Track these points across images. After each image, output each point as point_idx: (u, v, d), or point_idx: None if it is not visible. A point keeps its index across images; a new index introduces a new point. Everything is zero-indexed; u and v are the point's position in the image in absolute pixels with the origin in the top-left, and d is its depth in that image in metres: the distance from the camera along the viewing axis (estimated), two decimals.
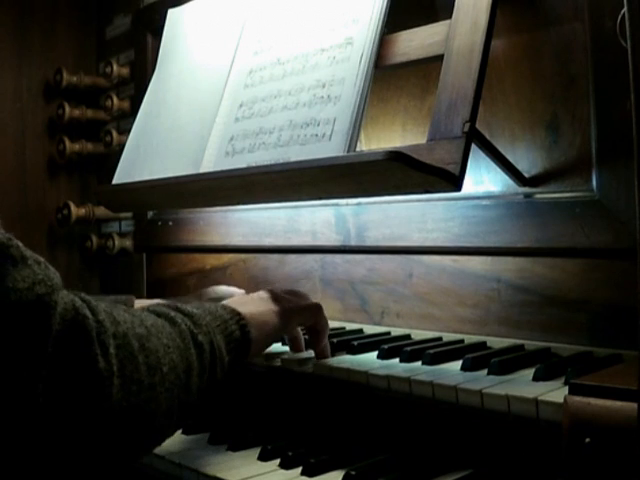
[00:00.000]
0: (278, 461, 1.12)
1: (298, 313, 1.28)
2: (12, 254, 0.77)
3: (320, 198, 1.36)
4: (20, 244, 0.81)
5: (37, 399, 0.77)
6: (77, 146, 2.31)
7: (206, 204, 1.83)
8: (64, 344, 0.80)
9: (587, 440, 0.82)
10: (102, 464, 0.88)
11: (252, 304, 1.21)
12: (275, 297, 1.26)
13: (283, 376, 1.33)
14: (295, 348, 1.38)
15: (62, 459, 0.83)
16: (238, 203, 1.67)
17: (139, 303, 1.49)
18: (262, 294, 1.27)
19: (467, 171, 1.11)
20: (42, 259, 0.84)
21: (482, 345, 1.32)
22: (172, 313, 1.03)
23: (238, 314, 1.15)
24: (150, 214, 2.21)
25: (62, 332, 0.80)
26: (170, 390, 0.94)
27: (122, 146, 1.83)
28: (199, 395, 1.01)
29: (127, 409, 0.86)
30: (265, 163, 1.37)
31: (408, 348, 1.25)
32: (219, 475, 1.08)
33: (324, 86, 1.35)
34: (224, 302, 1.20)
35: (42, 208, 2.35)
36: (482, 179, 1.39)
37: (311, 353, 1.32)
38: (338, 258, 1.64)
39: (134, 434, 0.90)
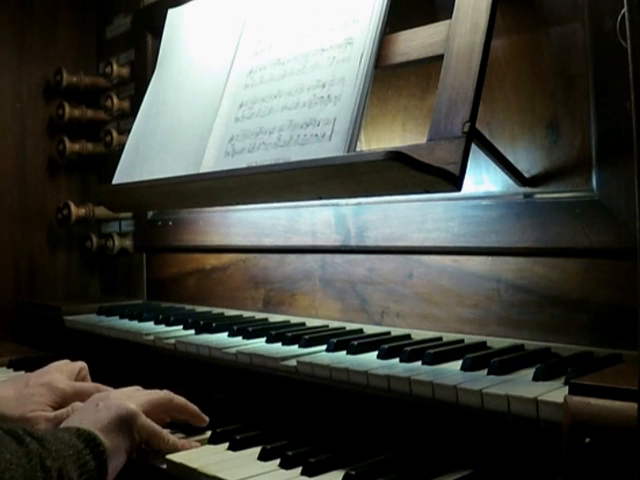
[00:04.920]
0: (278, 461, 1.11)
1: (148, 409, 1.22)
2: None
3: (320, 198, 1.36)
4: None
5: None
6: (77, 146, 2.31)
7: (206, 204, 1.83)
8: None
9: (587, 440, 0.82)
10: None
11: (104, 417, 1.15)
12: (122, 402, 1.20)
13: (285, 379, 1.33)
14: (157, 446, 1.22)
15: None
16: (238, 203, 1.67)
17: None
18: (109, 400, 1.20)
19: (467, 171, 1.12)
20: None
21: (482, 345, 1.32)
22: (20, 432, 0.99)
23: (93, 440, 1.09)
24: (150, 214, 2.21)
25: None
26: None
27: (122, 146, 1.84)
28: None
29: None
30: (265, 163, 1.37)
31: (408, 348, 1.25)
32: (219, 475, 1.07)
33: (324, 86, 1.35)
34: (75, 420, 1.15)
35: (42, 208, 2.36)
36: (482, 179, 1.39)
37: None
38: (338, 258, 1.64)
39: None
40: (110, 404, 1.19)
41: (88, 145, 2.33)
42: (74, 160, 2.37)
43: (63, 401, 1.34)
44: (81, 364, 1.47)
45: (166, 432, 1.23)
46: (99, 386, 1.39)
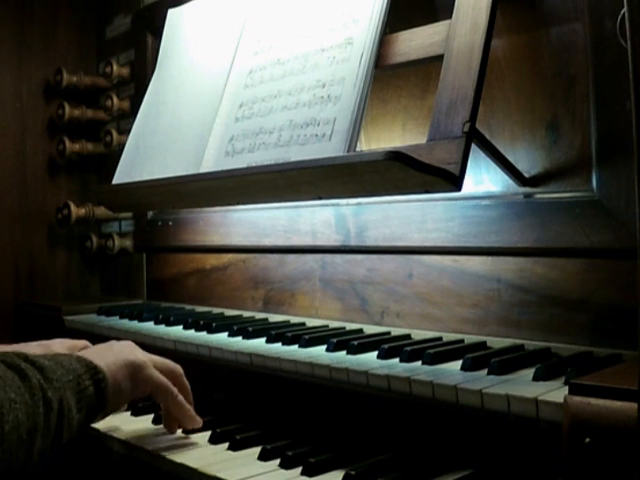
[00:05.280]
0: (278, 461, 1.12)
1: (159, 369, 1.23)
2: None
3: (320, 198, 1.36)
4: None
5: None
6: (77, 146, 2.31)
7: (206, 204, 1.83)
8: None
9: (587, 440, 0.82)
10: None
11: (110, 355, 1.15)
12: (133, 351, 1.21)
13: (285, 379, 1.33)
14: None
15: None
16: (238, 203, 1.67)
17: None
18: (121, 345, 1.22)
19: (467, 171, 1.12)
20: None
21: (482, 345, 1.32)
22: (23, 365, 0.99)
23: (94, 367, 1.09)
24: (150, 214, 2.21)
25: None
26: (8, 451, 0.89)
27: (122, 146, 1.84)
28: (40, 457, 0.96)
29: None
30: (265, 163, 1.37)
31: (408, 348, 1.25)
32: (219, 475, 1.08)
33: (324, 86, 1.35)
34: (80, 353, 1.15)
35: (42, 208, 2.36)
36: (482, 179, 1.39)
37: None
38: (338, 258, 1.64)
39: None
40: (122, 349, 1.20)
41: (88, 145, 2.33)
42: (74, 160, 2.37)
43: None
44: (84, 342, 1.48)
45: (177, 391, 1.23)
46: None
